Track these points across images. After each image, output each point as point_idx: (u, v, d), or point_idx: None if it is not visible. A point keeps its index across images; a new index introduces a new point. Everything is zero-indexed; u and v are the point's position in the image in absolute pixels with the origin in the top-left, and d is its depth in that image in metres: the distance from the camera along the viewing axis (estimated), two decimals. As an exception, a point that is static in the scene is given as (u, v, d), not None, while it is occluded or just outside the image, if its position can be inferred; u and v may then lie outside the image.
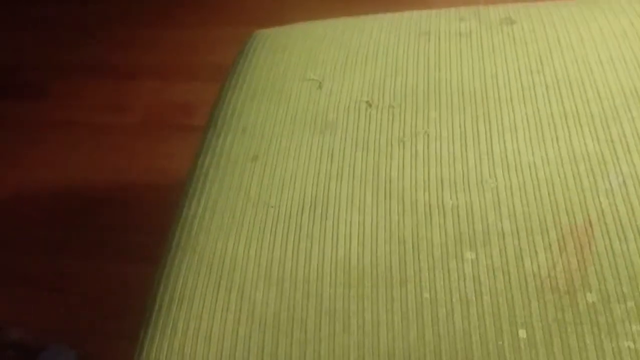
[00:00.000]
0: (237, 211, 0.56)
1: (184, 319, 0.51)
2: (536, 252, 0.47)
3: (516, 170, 0.52)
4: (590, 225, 0.48)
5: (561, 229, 0.48)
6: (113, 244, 1.26)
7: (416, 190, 0.53)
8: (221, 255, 0.53)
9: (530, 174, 0.52)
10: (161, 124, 1.49)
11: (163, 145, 1.43)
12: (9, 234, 1.29)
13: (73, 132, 1.49)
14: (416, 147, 0.56)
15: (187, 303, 0.51)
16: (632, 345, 0.43)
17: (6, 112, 1.57)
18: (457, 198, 0.52)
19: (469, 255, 0.48)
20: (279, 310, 0.49)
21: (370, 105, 0.61)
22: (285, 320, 0.49)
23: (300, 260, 0.51)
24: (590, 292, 0.45)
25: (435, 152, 0.55)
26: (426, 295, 0.47)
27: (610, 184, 0.50)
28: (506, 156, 0.53)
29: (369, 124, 0.59)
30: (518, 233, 0.49)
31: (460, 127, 0.56)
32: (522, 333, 0.44)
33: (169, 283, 0.54)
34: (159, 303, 0.53)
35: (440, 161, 0.55)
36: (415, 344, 0.46)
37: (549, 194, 0.50)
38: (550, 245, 0.48)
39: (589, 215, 0.48)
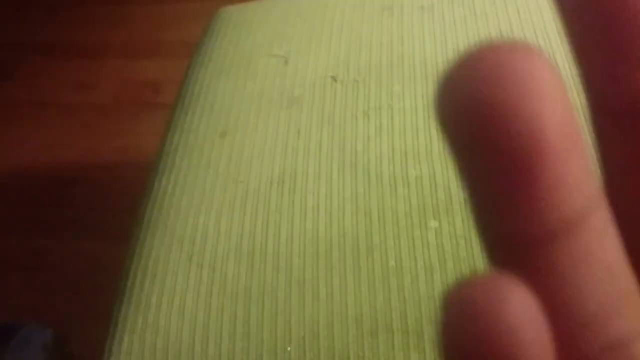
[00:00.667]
0: (207, 187, 0.57)
1: (157, 294, 0.52)
2: (496, 219, 0.49)
3: (477, 140, 0.54)
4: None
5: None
6: (86, 223, 1.26)
7: (381, 163, 0.55)
8: (192, 230, 0.55)
9: (490, 143, 0.53)
10: (131, 102, 1.48)
11: (133, 123, 1.42)
12: (-21, 216, 1.28)
13: (42, 113, 1.47)
14: (380, 120, 0.57)
15: (159, 278, 0.52)
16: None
17: (-29, 93, 1.55)
18: (420, 169, 0.53)
19: (432, 223, 0.50)
20: (250, 282, 0.51)
21: (335, 80, 0.62)
22: (257, 291, 0.50)
23: (270, 233, 0.53)
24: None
25: (399, 125, 0.56)
26: (392, 263, 0.49)
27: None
28: (467, 127, 0.55)
29: (335, 98, 0.60)
30: (478, 201, 0.50)
31: (422, 99, 0.58)
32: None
33: (141, 259, 0.55)
34: (132, 279, 0.54)
35: (404, 133, 0.56)
36: (382, 308, 0.47)
37: (508, 162, 0.52)
38: (509, 211, 0.49)
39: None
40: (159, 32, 1.59)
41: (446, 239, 0.49)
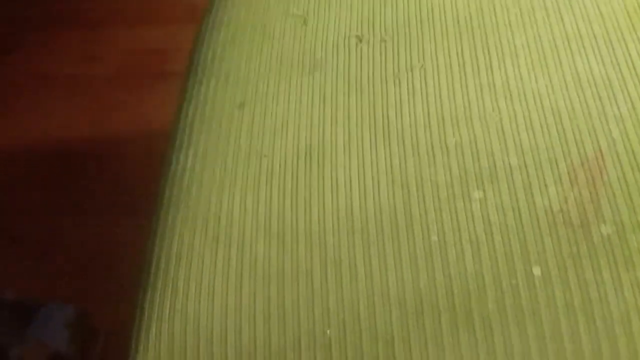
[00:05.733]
0: (229, 162, 0.53)
1: (184, 278, 0.49)
2: (546, 186, 0.46)
3: (520, 99, 0.50)
4: (601, 155, 0.46)
5: (571, 160, 0.46)
6: (97, 200, 1.23)
7: (416, 130, 0.51)
8: (216, 209, 0.51)
9: (535, 102, 0.49)
10: (138, 71, 1.44)
11: (141, 94, 1.39)
12: (-11, 196, 1.26)
13: (46, 86, 1.43)
14: (413, 83, 0.53)
15: (185, 262, 0.49)
16: (648, 275, 0.42)
17: (-28, 70, 1.50)
18: (460, 135, 0.49)
19: (476, 194, 0.47)
20: (282, 264, 0.47)
21: (360, 40, 0.57)
22: (290, 273, 0.47)
23: (300, 211, 0.49)
24: (605, 224, 0.43)
25: (434, 87, 0.52)
26: (434, 237, 0.46)
27: (619, 110, 0.48)
28: (508, 85, 0.51)
29: (361, 60, 0.56)
30: (526, 167, 0.47)
31: (458, 57, 0.53)
32: (536, 270, 0.43)
33: (164, 242, 0.51)
34: (156, 263, 0.51)
35: (440, 96, 0.52)
36: (426, 287, 0.44)
37: (555, 123, 0.48)
38: (560, 177, 0.46)
39: (599, 144, 0.46)
40: (160, -3, 1.53)
41: (492, 209, 0.46)
